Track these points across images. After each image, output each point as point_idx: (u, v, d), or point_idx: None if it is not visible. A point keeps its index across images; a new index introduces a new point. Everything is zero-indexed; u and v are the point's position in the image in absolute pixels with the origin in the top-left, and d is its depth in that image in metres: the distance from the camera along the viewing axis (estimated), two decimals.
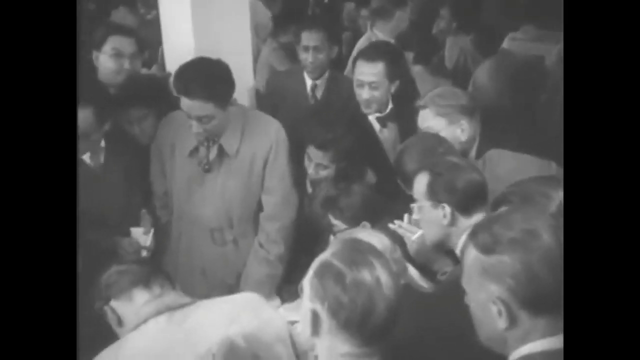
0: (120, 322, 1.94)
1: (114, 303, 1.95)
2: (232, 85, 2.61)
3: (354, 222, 2.53)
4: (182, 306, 1.90)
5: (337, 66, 4.04)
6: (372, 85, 3.03)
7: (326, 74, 3.48)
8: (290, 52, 4.74)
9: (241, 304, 1.98)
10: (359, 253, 1.58)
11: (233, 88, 2.62)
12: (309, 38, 3.40)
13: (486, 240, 1.44)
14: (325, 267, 1.55)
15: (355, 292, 1.50)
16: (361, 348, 1.54)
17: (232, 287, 2.84)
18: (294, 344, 1.96)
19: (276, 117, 2.90)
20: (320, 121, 2.87)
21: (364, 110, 3.09)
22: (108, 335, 2.00)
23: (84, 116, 2.54)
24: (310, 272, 1.58)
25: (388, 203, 2.68)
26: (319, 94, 3.47)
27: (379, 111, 3.12)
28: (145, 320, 1.87)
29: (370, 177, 2.97)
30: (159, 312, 1.87)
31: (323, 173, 2.79)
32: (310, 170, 2.81)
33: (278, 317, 2.02)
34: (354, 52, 4.21)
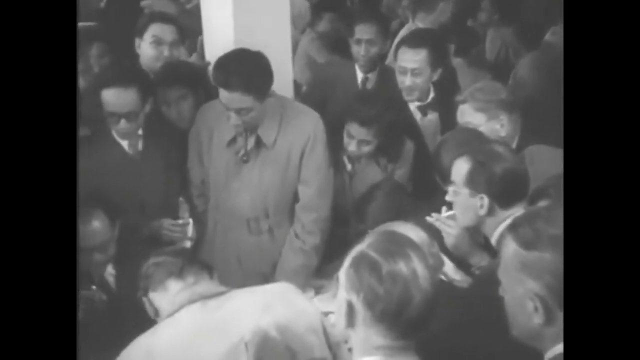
0: (157, 312, 1.97)
1: (151, 294, 1.98)
2: (271, 77, 2.62)
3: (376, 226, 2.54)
4: (215, 295, 1.92)
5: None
6: (414, 72, 3.06)
7: (378, 68, 3.47)
8: (328, 43, 4.74)
9: (275, 294, 1.99)
10: (395, 245, 1.57)
11: (272, 80, 2.63)
12: (362, 31, 3.41)
13: (527, 236, 1.42)
14: (361, 258, 1.54)
15: (391, 284, 1.50)
16: (396, 341, 1.53)
17: (267, 276, 2.85)
18: (327, 335, 1.96)
19: (325, 109, 2.91)
20: (362, 99, 2.93)
21: (406, 97, 3.10)
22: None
23: (128, 96, 2.63)
24: (346, 263, 1.57)
25: (416, 203, 2.69)
26: (369, 87, 3.47)
27: (420, 100, 3.13)
28: (179, 308, 1.89)
29: (409, 148, 3.00)
30: (192, 301, 1.89)
31: (365, 149, 2.86)
32: (352, 147, 2.85)
33: (311, 307, 2.02)
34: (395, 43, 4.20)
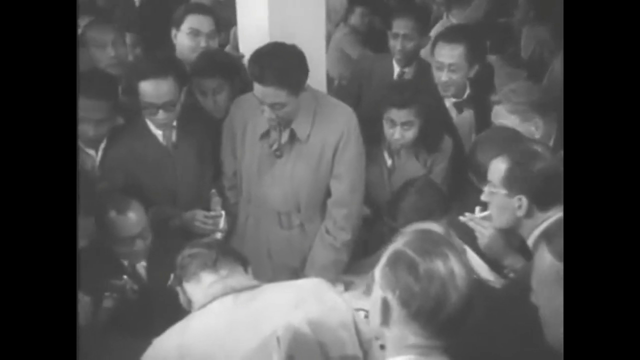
0: (190, 303, 1.98)
1: (185, 285, 1.98)
2: (306, 72, 2.61)
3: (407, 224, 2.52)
4: (247, 288, 1.92)
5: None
6: (451, 68, 3.05)
7: (414, 63, 3.45)
8: (361, 37, 4.72)
9: (306, 289, 1.98)
10: (433, 244, 1.55)
11: (307, 75, 2.61)
12: (400, 25, 3.41)
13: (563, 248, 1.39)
14: (398, 256, 1.53)
15: (427, 282, 1.48)
16: (430, 340, 1.52)
17: (296, 271, 2.86)
18: (358, 332, 1.95)
19: (360, 104, 2.90)
20: (394, 86, 2.96)
21: (442, 93, 3.08)
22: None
23: (166, 86, 2.65)
24: (382, 261, 1.56)
25: (449, 202, 2.66)
26: None
27: (456, 96, 3.11)
28: (212, 300, 1.89)
29: (447, 143, 2.99)
30: (225, 293, 1.89)
31: (409, 134, 2.84)
32: (397, 135, 2.84)
33: (343, 303, 2.00)
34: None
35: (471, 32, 3.28)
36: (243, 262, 2.04)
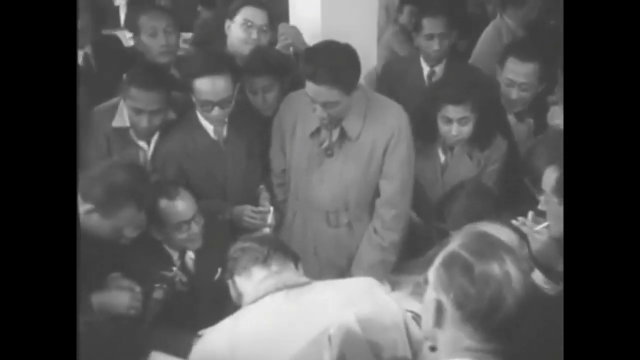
0: (240, 297, 1.98)
1: (236, 278, 1.99)
2: (359, 71, 2.59)
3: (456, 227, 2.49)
4: (298, 285, 1.91)
5: (460, 55, 3.95)
6: (522, 87, 3.00)
7: (444, 61, 3.41)
8: (409, 36, 4.67)
9: (358, 288, 1.97)
10: (488, 246, 1.52)
11: (359, 74, 2.60)
12: (433, 25, 3.34)
13: None
14: (453, 258, 1.51)
15: (483, 284, 1.45)
16: (484, 343, 1.49)
17: (343, 270, 2.85)
18: (408, 332, 1.93)
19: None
20: (448, 83, 2.91)
21: (508, 109, 3.03)
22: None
23: (222, 83, 2.67)
24: (437, 262, 1.54)
25: (499, 206, 2.62)
26: (433, 80, 3.41)
27: (520, 109, 3.05)
28: (263, 295, 1.89)
29: (501, 143, 2.97)
30: (276, 289, 1.89)
31: (465, 129, 2.82)
32: (453, 131, 2.82)
33: (394, 303, 1.99)
34: (480, 40, 4.10)
35: (545, 49, 3.17)
36: (294, 258, 2.03)
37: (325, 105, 2.54)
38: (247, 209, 2.82)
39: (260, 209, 2.83)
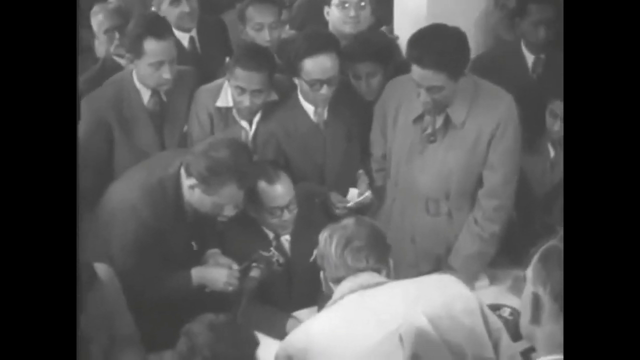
0: (329, 290, 1.98)
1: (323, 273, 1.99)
2: (468, 56, 2.52)
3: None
4: (374, 285, 1.89)
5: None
6: None
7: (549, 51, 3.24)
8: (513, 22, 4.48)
9: (429, 284, 1.96)
10: None
11: (468, 59, 2.52)
12: (540, 11, 3.17)
13: None
14: (551, 251, 1.47)
15: None
16: None
17: (440, 259, 2.79)
18: (486, 320, 1.88)
19: None
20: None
21: None
22: None
23: (331, 61, 2.69)
24: (535, 258, 1.49)
25: None
26: (539, 70, 3.25)
27: None
28: (340, 297, 1.90)
29: None
30: (352, 290, 1.89)
31: None
32: (556, 127, 2.73)
33: (468, 291, 1.96)
34: None
35: None
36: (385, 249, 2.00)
37: (430, 89, 2.49)
38: (334, 197, 2.81)
39: (349, 203, 2.79)
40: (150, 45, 2.76)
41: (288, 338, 1.94)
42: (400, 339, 1.77)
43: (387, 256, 1.99)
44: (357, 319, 1.84)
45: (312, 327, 1.90)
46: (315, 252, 2.63)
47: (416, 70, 2.48)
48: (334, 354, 1.80)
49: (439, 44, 2.44)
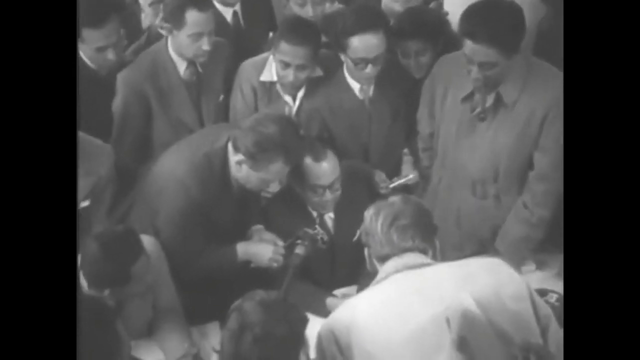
0: (373, 267, 1.95)
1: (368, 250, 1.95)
2: (523, 32, 2.42)
3: None
4: (420, 266, 1.86)
5: None
6: None
7: None
8: None
9: (477, 267, 1.89)
10: None
11: (523, 36, 2.43)
12: None
13: None
14: None
15: None
16: None
17: (485, 242, 2.72)
18: (535, 306, 1.83)
19: None
20: None
21: None
22: None
23: (378, 40, 2.65)
24: None
25: None
26: None
27: None
28: (385, 277, 1.86)
29: None
30: (397, 271, 1.85)
31: None
32: None
33: (517, 276, 1.90)
34: None
35: None
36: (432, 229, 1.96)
37: (482, 66, 2.40)
38: (379, 175, 2.78)
39: (392, 184, 2.77)
40: (192, 16, 2.73)
41: (332, 315, 1.91)
42: (447, 321, 1.74)
43: (433, 236, 1.95)
44: (403, 300, 1.81)
45: (357, 305, 1.87)
46: (359, 231, 2.61)
47: (468, 45, 2.40)
48: (378, 333, 1.77)
49: (493, 18, 2.35)
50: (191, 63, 2.90)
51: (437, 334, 1.75)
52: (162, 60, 2.88)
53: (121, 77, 2.84)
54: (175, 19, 2.76)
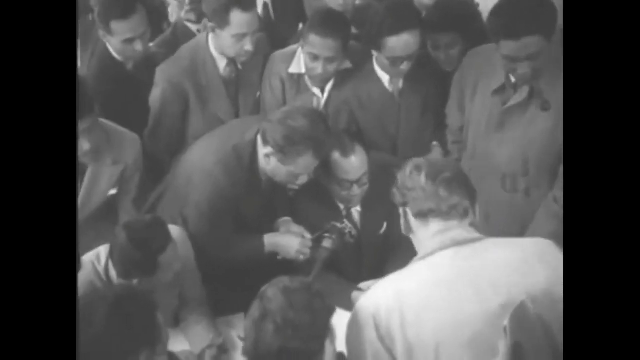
0: (408, 230, 1.85)
1: (410, 217, 1.84)
2: (555, 12, 2.31)
3: None
4: (469, 241, 1.76)
5: None
6: None
7: None
8: None
9: (533, 253, 1.77)
10: None
11: (556, 16, 2.31)
12: None
13: None
14: None
15: None
16: None
17: (514, 236, 2.67)
18: None
19: None
20: None
21: None
22: None
23: (413, 39, 2.64)
24: None
25: None
26: None
27: None
28: (431, 252, 1.76)
29: None
30: (445, 246, 1.75)
31: None
32: None
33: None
34: None
35: None
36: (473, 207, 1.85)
37: (530, 57, 2.31)
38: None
39: None
40: (236, 17, 2.71)
41: (370, 296, 1.78)
42: (505, 331, 1.64)
43: (475, 198, 1.85)
44: (453, 285, 1.70)
45: (401, 285, 1.73)
46: (385, 224, 2.59)
47: (509, 45, 2.30)
48: (428, 319, 1.66)
49: (522, 7, 2.29)
50: (231, 61, 2.90)
51: (493, 339, 1.65)
52: (202, 56, 2.88)
53: (160, 71, 2.85)
54: (219, 18, 2.74)
